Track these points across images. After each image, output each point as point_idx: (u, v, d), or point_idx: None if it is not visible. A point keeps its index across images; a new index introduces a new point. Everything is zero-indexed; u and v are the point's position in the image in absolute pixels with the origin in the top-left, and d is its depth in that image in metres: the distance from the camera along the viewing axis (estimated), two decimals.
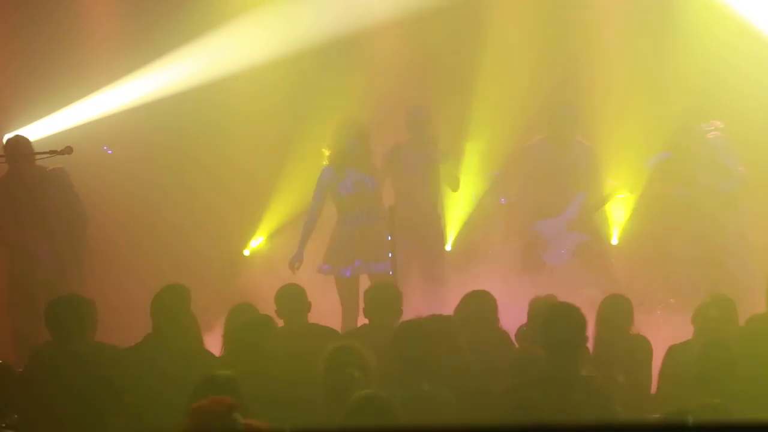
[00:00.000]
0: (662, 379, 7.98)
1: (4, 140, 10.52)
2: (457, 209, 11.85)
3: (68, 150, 8.97)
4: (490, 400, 6.84)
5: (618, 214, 11.75)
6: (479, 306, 8.15)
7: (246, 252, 12.38)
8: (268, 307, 8.51)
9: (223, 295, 10.57)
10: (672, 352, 7.98)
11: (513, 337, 8.35)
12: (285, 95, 12.15)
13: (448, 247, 11.69)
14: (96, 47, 12.03)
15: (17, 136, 10.43)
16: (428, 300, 10.06)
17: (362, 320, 8.73)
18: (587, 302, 7.97)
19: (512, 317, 8.52)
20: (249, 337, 7.55)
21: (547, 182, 11.17)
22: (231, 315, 8.24)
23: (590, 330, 7.08)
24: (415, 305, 9.18)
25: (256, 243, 12.42)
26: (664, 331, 8.93)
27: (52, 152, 9.06)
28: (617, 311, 8.07)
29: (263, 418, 5.73)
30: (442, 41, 12.24)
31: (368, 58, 12.11)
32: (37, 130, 11.68)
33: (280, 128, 12.21)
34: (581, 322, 6.69)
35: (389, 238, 10.22)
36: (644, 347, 8.15)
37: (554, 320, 6.64)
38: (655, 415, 6.76)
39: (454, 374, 7.24)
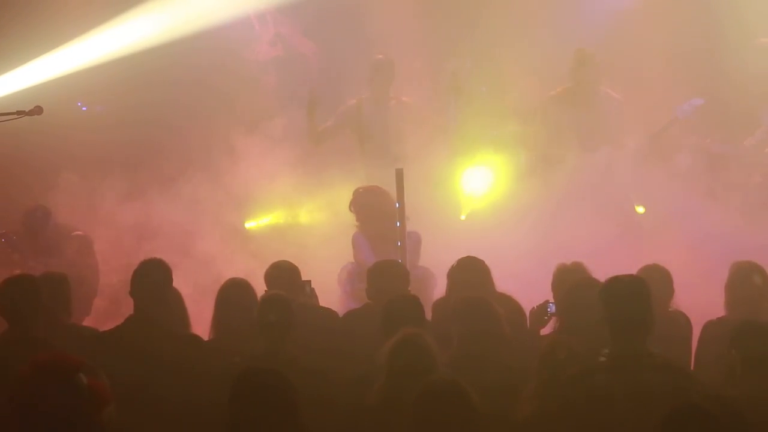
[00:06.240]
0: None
1: None
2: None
3: (38, 110, 8.61)
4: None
5: None
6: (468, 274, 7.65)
7: (247, 225, 11.34)
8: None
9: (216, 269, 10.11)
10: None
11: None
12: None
13: (462, 217, 10.92)
14: None
15: None
16: None
17: None
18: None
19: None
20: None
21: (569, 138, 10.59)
22: (223, 293, 7.62)
23: None
24: None
25: (262, 218, 11.35)
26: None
27: (20, 113, 8.61)
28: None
29: None
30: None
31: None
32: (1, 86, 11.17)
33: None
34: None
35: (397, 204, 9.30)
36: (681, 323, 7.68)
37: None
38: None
39: None
